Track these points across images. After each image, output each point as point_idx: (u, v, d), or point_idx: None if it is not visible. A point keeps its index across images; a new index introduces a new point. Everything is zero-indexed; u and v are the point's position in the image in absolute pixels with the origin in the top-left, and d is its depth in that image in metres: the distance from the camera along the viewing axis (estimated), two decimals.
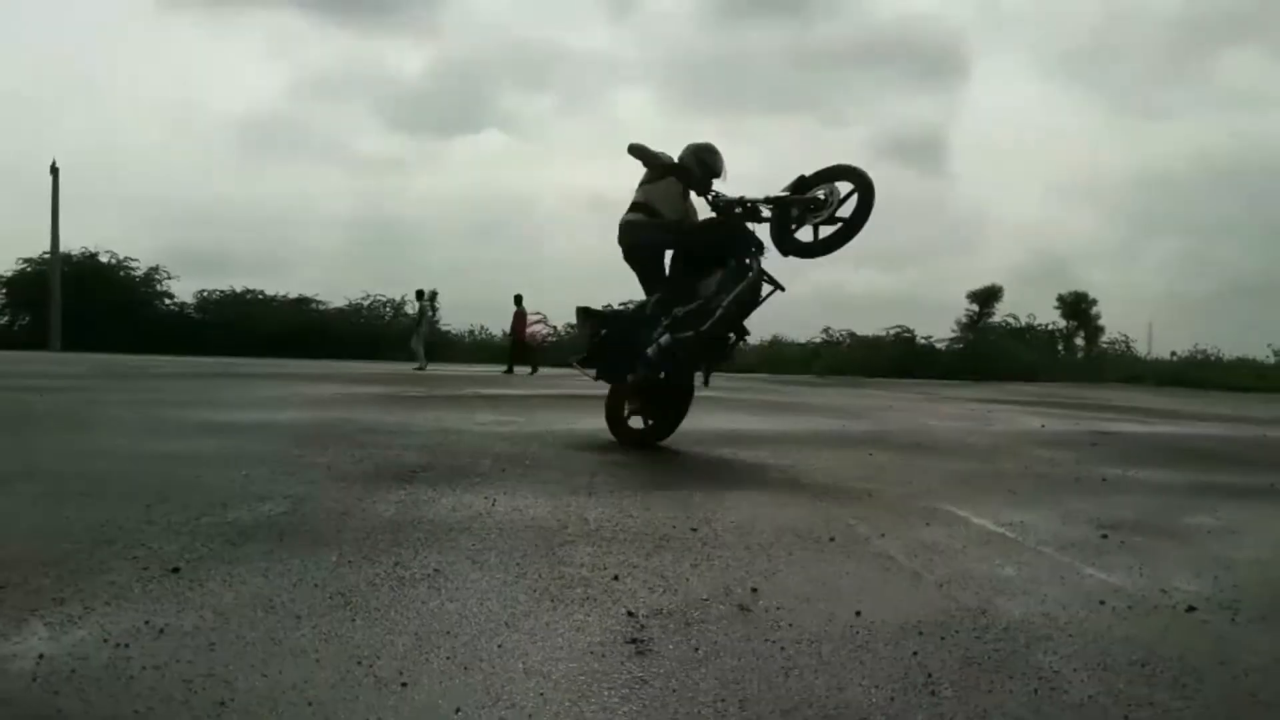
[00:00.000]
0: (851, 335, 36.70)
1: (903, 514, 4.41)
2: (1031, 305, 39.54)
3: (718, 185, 6.62)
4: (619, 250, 6.77)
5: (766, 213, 6.39)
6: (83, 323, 33.08)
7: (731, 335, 6.60)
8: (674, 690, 2.16)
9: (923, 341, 36.08)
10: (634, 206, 6.74)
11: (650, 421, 6.77)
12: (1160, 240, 58.28)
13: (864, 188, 6.14)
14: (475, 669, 2.23)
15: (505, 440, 6.87)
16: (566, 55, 63.63)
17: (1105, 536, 4.03)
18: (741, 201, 6.43)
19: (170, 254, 39.52)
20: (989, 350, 34.41)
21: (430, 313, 23.23)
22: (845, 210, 6.17)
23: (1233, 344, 36.25)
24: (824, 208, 6.24)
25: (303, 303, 37.90)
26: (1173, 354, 36.74)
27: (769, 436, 7.84)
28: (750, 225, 6.47)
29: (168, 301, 37.72)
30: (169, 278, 37.81)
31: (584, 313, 6.94)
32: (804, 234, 6.32)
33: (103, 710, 1.97)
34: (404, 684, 2.13)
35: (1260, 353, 35.22)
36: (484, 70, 63.37)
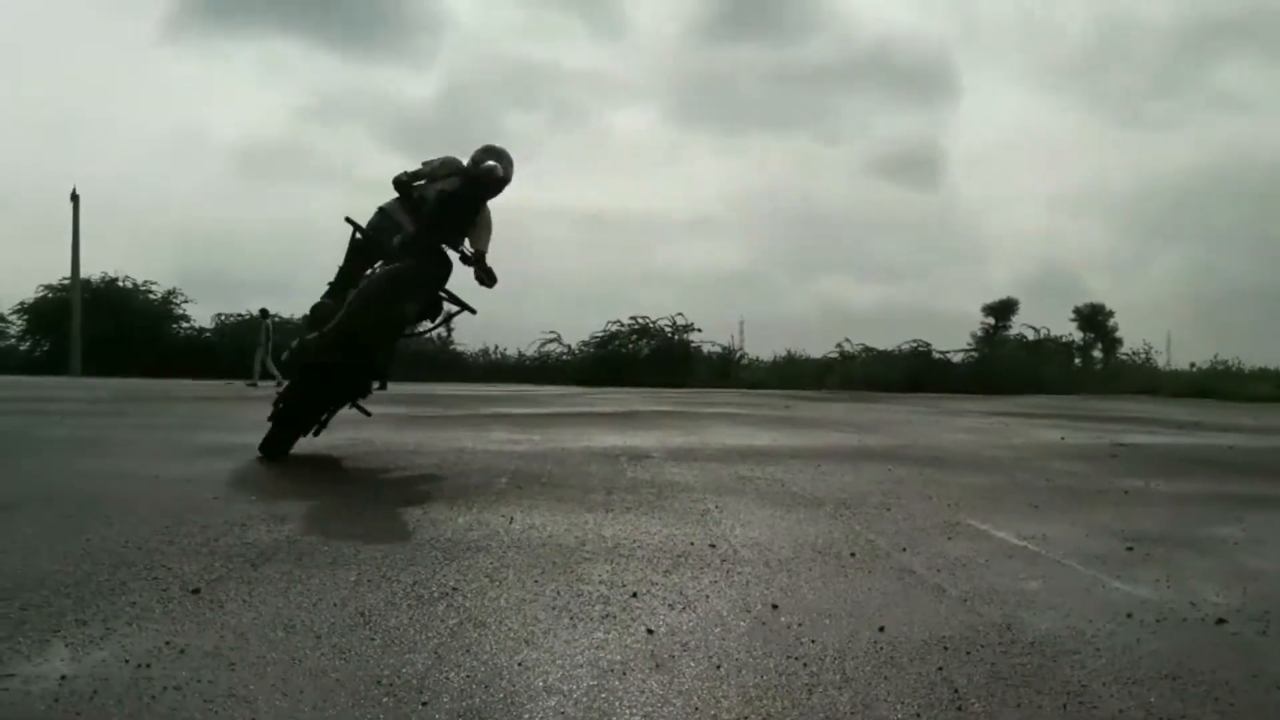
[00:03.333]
0: (866, 349, 36.55)
1: (924, 528, 4.37)
2: (1043, 318, 39.14)
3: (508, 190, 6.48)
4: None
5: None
6: (102, 347, 33.37)
7: (377, 350, 6.10)
8: (696, 708, 2.14)
9: (938, 355, 35.90)
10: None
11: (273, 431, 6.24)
12: (1170, 250, 57.86)
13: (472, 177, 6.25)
14: (495, 687, 2.22)
15: (521, 458, 6.86)
16: (560, 76, 64.06)
17: (1130, 549, 3.98)
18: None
19: (183, 279, 39.73)
20: (1006, 363, 34.18)
21: (269, 331, 24.81)
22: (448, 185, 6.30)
23: (1253, 354, 35.81)
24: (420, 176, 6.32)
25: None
26: (1192, 364, 36.39)
27: (785, 451, 7.80)
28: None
29: (185, 325, 37.99)
30: (186, 301, 38.12)
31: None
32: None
33: None
34: (424, 703, 2.11)
35: None
36: (479, 92, 63.82)
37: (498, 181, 6.40)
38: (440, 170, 6.45)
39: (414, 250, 6.09)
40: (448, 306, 6.31)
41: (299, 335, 6.08)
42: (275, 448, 6.23)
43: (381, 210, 6.50)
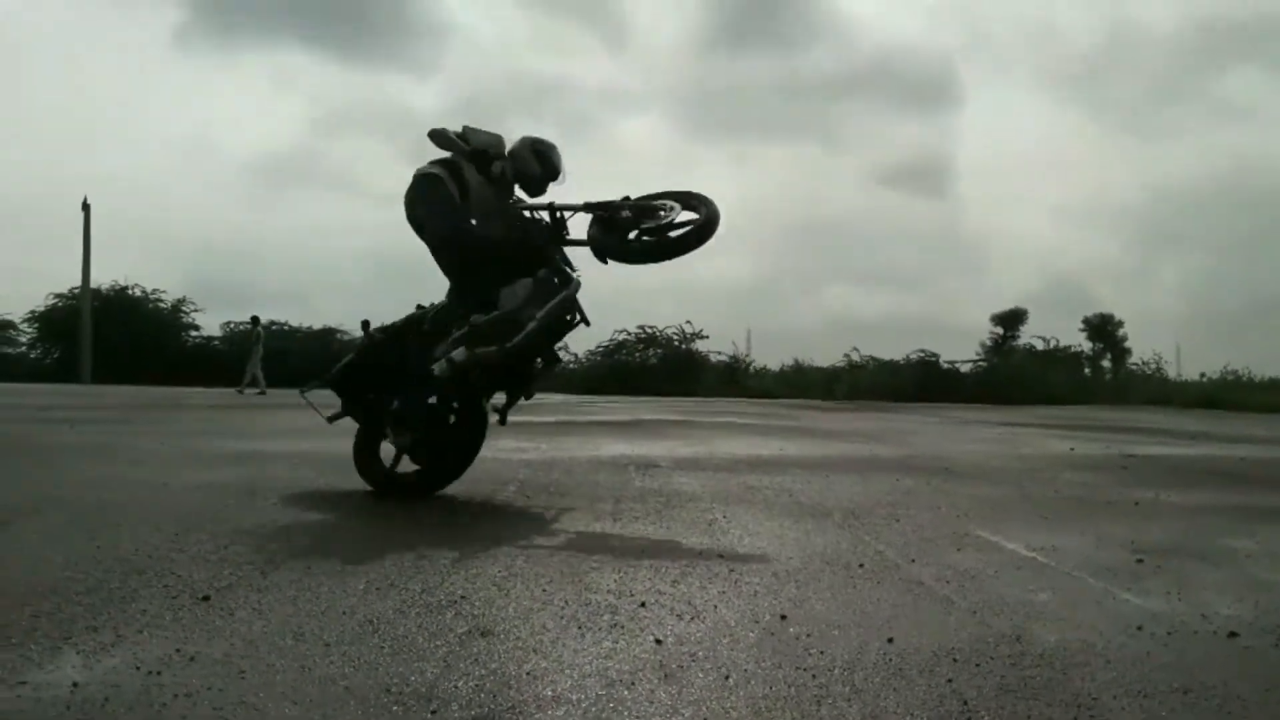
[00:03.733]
0: (873, 359, 36.47)
1: (932, 539, 4.36)
2: (1051, 328, 38.85)
3: (554, 189, 5.67)
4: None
5: (588, 214, 5.46)
6: (112, 355, 33.52)
7: (540, 360, 5.54)
8: (704, 719, 2.14)
9: (947, 365, 35.80)
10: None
11: (422, 463, 5.32)
12: (1177, 260, 57.67)
13: (708, 221, 5.34)
14: (503, 696, 2.22)
15: (529, 466, 6.87)
16: (569, 86, 64.34)
17: (1141, 561, 3.96)
18: (558, 207, 5.52)
19: (193, 287, 40.03)
20: (1015, 373, 34.06)
21: (260, 338, 25.28)
22: (679, 231, 5.37)
23: (1263, 364, 35.58)
24: (657, 221, 5.40)
25: (328, 333, 38.23)
26: (1202, 375, 36.20)
27: (794, 461, 7.79)
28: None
29: (194, 334, 38.15)
30: (195, 310, 38.30)
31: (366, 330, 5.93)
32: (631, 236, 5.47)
33: None
34: (433, 711, 2.12)
35: None
36: (488, 102, 64.11)
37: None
38: (496, 145, 5.65)
39: (548, 262, 5.42)
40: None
41: (460, 345, 5.12)
42: (437, 479, 5.42)
43: (432, 177, 5.49)
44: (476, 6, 68.19)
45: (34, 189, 52.44)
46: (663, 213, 5.41)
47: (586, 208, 5.47)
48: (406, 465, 5.28)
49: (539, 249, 5.43)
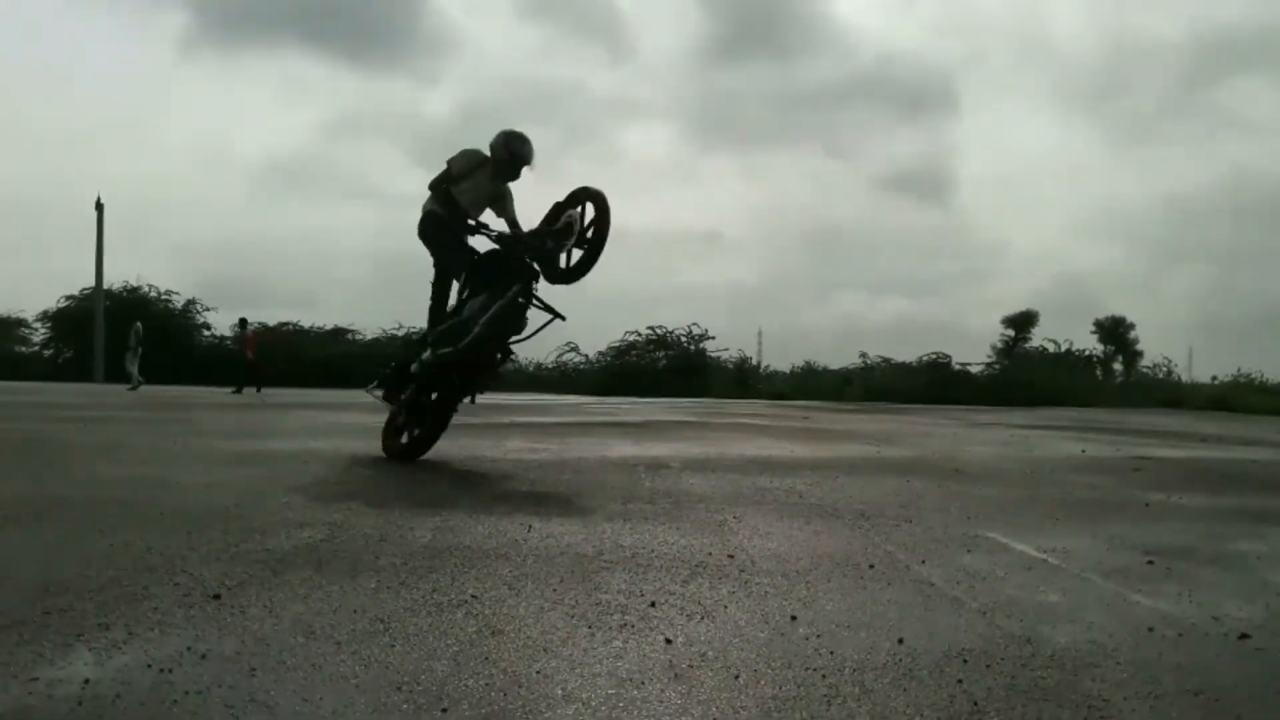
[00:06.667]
0: (885, 361, 36.38)
1: (943, 540, 4.35)
2: (1060, 332, 38.80)
3: (526, 173, 6.95)
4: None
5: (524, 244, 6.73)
6: (125, 355, 33.67)
7: (499, 354, 6.90)
8: (714, 719, 2.14)
9: (958, 367, 35.69)
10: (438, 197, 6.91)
11: (415, 434, 6.93)
12: (1183, 267, 57.40)
13: (601, 209, 6.58)
14: (513, 695, 2.22)
15: (539, 467, 6.88)
16: (576, 95, 64.53)
17: (1151, 563, 3.94)
18: (500, 237, 6.78)
19: (204, 289, 40.41)
20: (1026, 376, 33.92)
21: (242, 339, 26.48)
22: (591, 230, 6.61)
23: (1275, 368, 35.36)
24: (569, 235, 6.64)
25: (339, 334, 38.36)
26: (1214, 378, 35.99)
27: (805, 463, 7.78)
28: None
29: (206, 333, 38.32)
30: (207, 309, 38.46)
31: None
32: (564, 260, 6.72)
33: None
34: (443, 709, 2.12)
35: None
36: (496, 109, 64.41)
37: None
38: (466, 165, 6.88)
39: (504, 267, 6.69)
40: (544, 315, 6.83)
41: (430, 348, 6.73)
42: (420, 448, 6.95)
43: (433, 215, 6.90)
44: (483, 17, 68.46)
45: (48, 191, 52.82)
46: (573, 225, 6.64)
47: (516, 240, 6.77)
48: None
49: (505, 266, 6.68)
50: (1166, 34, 59.53)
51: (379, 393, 7.22)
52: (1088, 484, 6.83)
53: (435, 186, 6.86)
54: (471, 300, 6.69)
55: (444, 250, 6.87)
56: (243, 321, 27.41)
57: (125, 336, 25.77)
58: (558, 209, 6.83)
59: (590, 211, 6.66)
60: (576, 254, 6.65)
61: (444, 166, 6.89)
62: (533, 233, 6.77)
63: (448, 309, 6.89)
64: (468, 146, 6.98)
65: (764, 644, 2.68)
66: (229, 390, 23.72)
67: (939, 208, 59.61)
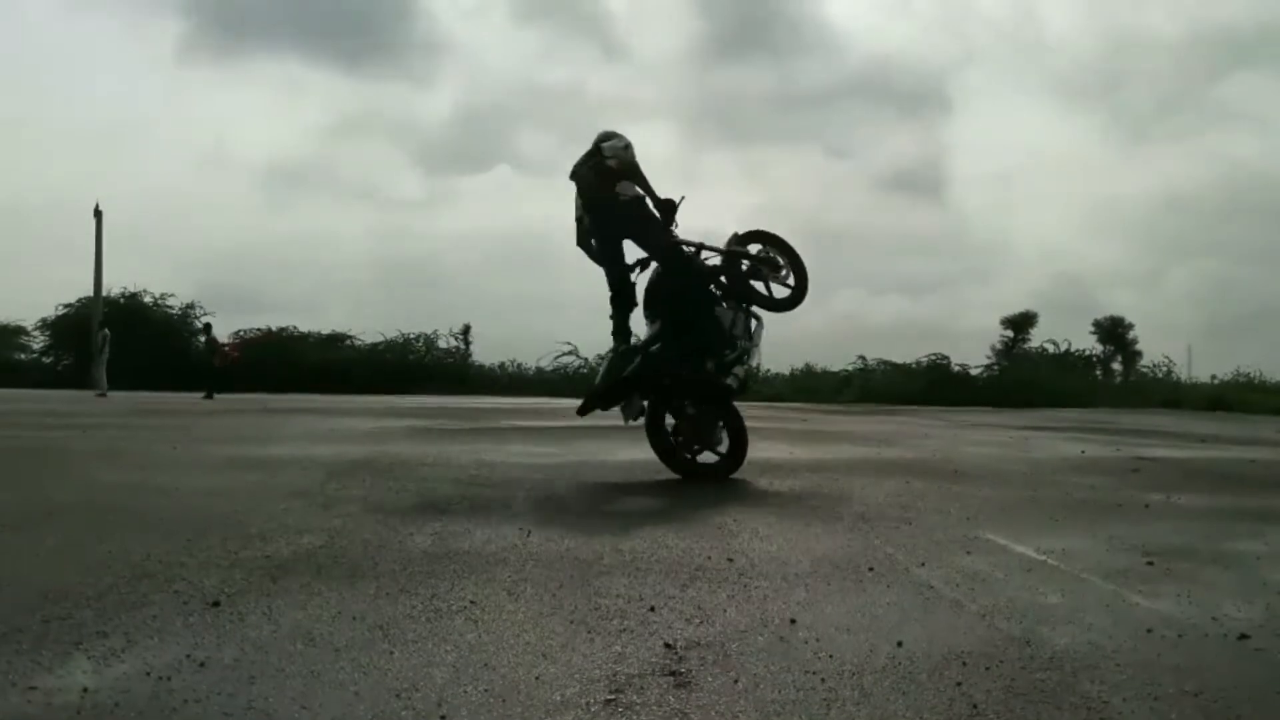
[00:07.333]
0: (884, 362, 36.35)
1: (942, 542, 4.35)
2: (1059, 332, 38.68)
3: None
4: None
5: (715, 260, 6.75)
6: (123, 361, 33.66)
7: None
8: None
9: (958, 368, 35.67)
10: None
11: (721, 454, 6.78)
12: (1182, 266, 57.35)
13: (800, 267, 6.75)
14: (513, 700, 2.22)
15: (540, 471, 6.87)
16: (574, 96, 64.41)
17: (1151, 563, 3.94)
18: (699, 246, 6.70)
19: (202, 295, 40.28)
20: (1025, 376, 33.90)
21: (213, 346, 27.03)
22: (791, 279, 6.79)
23: (1275, 366, 35.29)
24: (778, 269, 6.75)
25: (336, 339, 38.33)
26: (1213, 377, 35.98)
27: (804, 464, 7.78)
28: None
29: (204, 339, 38.27)
30: (206, 314, 38.42)
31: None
32: (760, 287, 6.79)
33: None
34: (442, 716, 2.12)
35: None
36: (491, 111, 64.28)
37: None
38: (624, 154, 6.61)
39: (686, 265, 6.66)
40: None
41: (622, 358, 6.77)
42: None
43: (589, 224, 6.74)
44: (480, 20, 68.50)
45: (45, 197, 52.77)
46: (775, 257, 6.80)
47: (721, 252, 6.77)
48: None
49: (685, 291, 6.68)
50: (1165, 31, 59.55)
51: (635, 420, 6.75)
52: (1087, 485, 6.83)
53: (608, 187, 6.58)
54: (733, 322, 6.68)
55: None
56: (208, 327, 28.43)
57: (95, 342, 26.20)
58: (737, 238, 6.83)
59: (783, 260, 6.82)
60: (779, 290, 6.80)
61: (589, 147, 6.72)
62: (735, 252, 6.78)
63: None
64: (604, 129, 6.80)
65: (763, 647, 2.68)
66: (200, 395, 23.72)
67: (938, 207, 59.60)
